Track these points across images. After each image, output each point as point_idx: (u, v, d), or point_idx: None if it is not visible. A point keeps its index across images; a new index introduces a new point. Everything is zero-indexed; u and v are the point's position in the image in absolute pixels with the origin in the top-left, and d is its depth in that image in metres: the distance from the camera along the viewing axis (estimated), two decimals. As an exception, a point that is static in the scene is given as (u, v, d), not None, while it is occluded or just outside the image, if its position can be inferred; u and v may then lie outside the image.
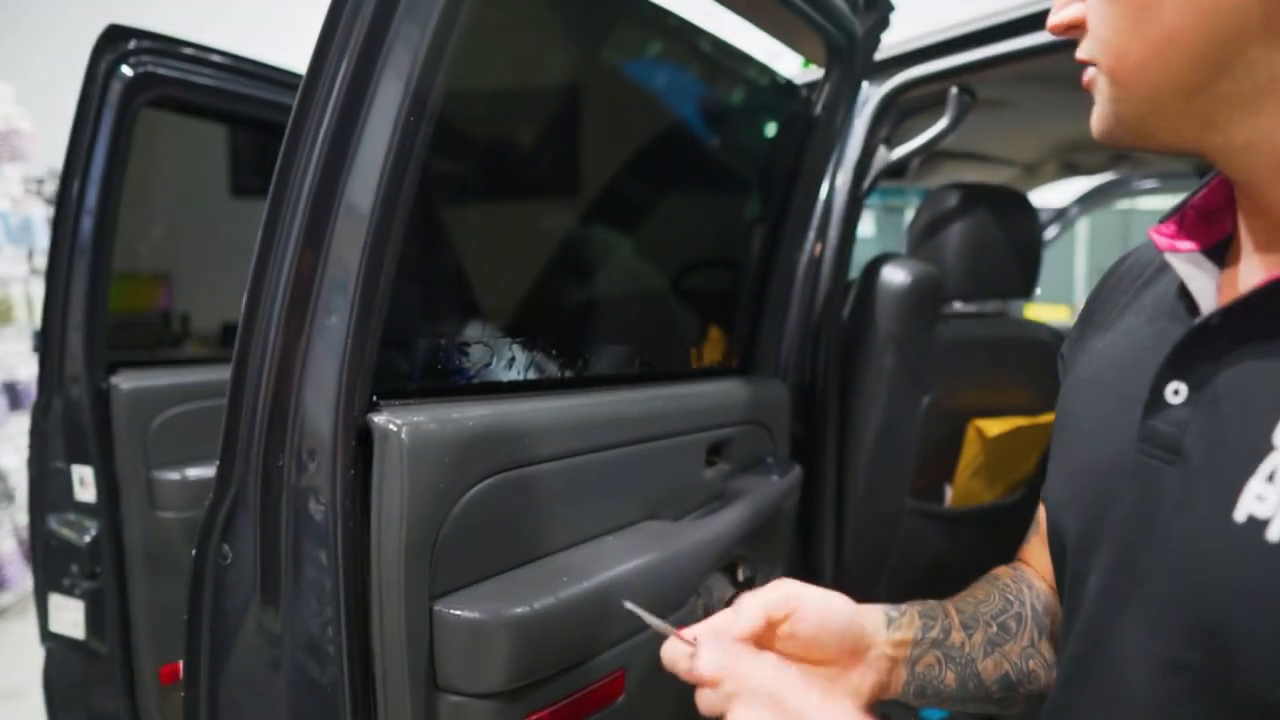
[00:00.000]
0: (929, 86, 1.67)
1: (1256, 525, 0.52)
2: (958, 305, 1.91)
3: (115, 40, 1.69)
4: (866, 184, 1.72)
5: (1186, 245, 0.64)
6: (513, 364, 1.07)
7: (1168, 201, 1.15)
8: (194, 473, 1.84)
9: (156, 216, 2.11)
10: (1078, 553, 0.68)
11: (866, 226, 6.77)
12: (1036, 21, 1.49)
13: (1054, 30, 0.64)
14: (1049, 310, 4.95)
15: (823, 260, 1.67)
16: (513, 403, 0.99)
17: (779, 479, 1.35)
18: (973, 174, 2.91)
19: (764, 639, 0.74)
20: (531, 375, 1.08)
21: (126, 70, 1.70)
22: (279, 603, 0.85)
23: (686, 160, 1.37)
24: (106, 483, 1.77)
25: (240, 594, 0.87)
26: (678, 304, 1.41)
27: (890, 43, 1.66)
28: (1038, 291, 1.95)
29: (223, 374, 0.85)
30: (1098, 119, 0.62)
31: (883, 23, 1.50)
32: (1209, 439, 0.57)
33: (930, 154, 2.73)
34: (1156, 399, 0.61)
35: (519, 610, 0.87)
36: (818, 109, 1.47)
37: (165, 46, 1.74)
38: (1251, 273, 0.61)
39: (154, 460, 1.81)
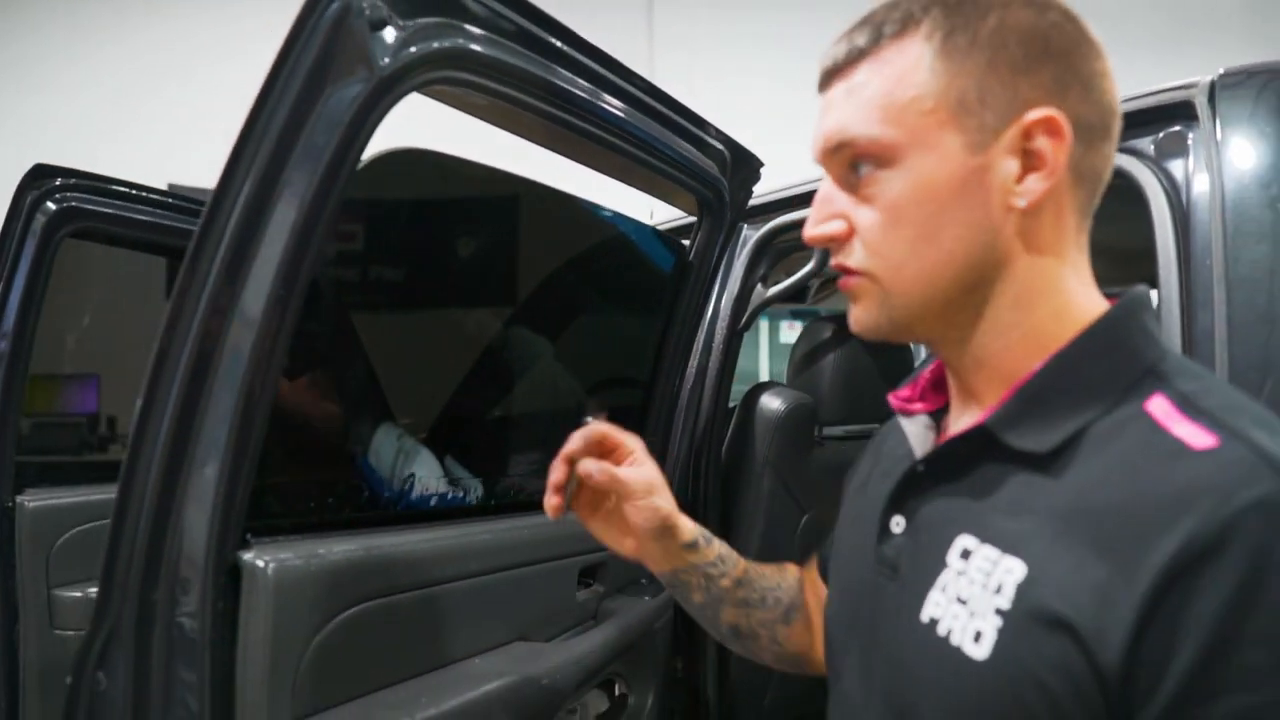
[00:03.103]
0: (800, 231, 1.84)
1: (931, 625, 0.67)
2: (835, 430, 2.05)
3: (40, 177, 1.79)
4: (745, 317, 1.87)
5: (919, 407, 0.80)
6: (387, 498, 1.16)
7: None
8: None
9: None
10: (837, 655, 0.83)
11: (795, 336, 7.08)
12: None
13: (812, 243, 0.75)
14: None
15: (703, 389, 1.80)
16: (383, 535, 1.09)
17: (650, 599, 1.45)
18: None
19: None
20: (406, 508, 1.18)
21: (51, 205, 1.81)
22: (148, 728, 0.91)
23: (565, 300, 1.50)
24: (5, 601, 1.80)
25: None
26: (556, 435, 1.52)
27: (768, 189, 1.83)
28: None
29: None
30: (862, 318, 0.74)
31: (752, 177, 1.67)
32: (912, 559, 0.72)
33: (826, 279, 2.93)
34: (884, 529, 0.76)
35: (374, 732, 0.95)
36: (692, 253, 1.62)
37: (89, 183, 1.85)
38: (954, 430, 0.76)
39: (56, 579, 1.85)
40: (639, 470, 0.97)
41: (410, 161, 1.12)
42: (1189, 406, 0.62)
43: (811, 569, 1.07)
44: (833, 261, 0.75)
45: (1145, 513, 0.57)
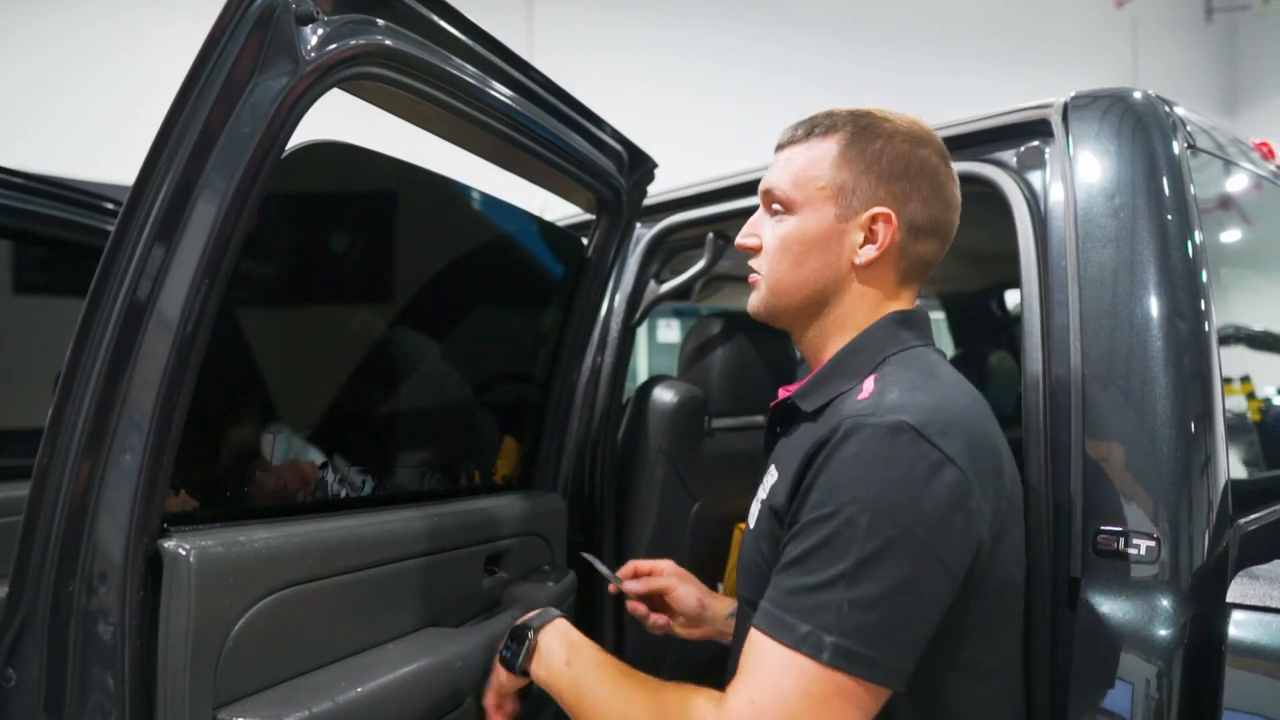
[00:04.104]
0: (691, 230, 1.92)
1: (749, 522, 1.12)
2: (723, 421, 2.14)
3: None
4: (639, 313, 1.94)
5: (784, 391, 1.15)
6: (306, 487, 1.17)
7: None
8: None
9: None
10: None
11: (674, 334, 7.23)
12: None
13: (740, 248, 1.16)
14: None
15: (599, 383, 1.85)
16: (301, 524, 1.10)
17: (554, 585, 1.49)
18: (750, 295, 3.20)
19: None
20: (323, 496, 1.19)
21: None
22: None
23: (468, 293, 1.53)
24: None
25: (23, 715, 0.92)
26: (462, 426, 1.56)
27: (662, 189, 1.91)
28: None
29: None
30: (753, 303, 1.15)
31: (647, 177, 1.73)
32: (761, 487, 1.11)
33: (710, 278, 3.03)
34: (767, 470, 1.13)
35: (298, 715, 0.96)
36: (590, 250, 1.67)
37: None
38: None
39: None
40: (665, 577, 1.42)
41: (324, 155, 1.13)
42: (879, 380, 1.00)
43: None
44: (748, 263, 1.15)
45: (822, 431, 0.95)
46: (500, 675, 1.18)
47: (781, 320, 1.13)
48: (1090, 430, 1.15)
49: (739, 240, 1.15)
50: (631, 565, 1.42)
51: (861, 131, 1.07)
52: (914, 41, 7.97)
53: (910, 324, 1.09)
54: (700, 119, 6.59)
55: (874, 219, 1.05)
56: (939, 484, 0.89)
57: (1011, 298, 3.09)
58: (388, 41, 1.04)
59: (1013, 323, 3.08)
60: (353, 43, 0.99)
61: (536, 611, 1.19)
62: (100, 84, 4.87)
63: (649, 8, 7.29)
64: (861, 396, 0.98)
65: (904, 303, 1.10)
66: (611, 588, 1.42)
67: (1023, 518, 1.05)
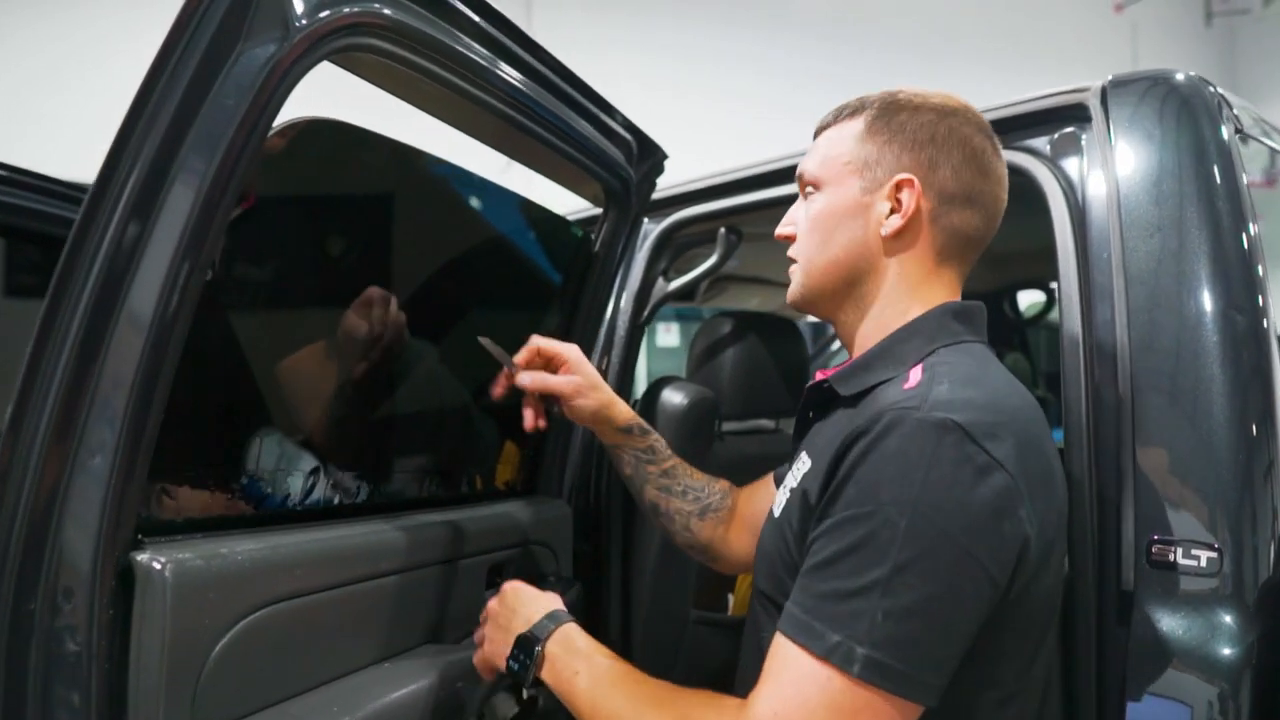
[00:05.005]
0: (701, 225, 1.84)
1: (773, 513, 1.07)
2: (731, 425, 2.06)
3: None
4: (647, 312, 1.85)
5: (822, 374, 1.09)
6: (292, 494, 1.09)
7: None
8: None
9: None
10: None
11: (673, 338, 7.14)
12: (791, 173, 1.68)
13: (779, 238, 1.13)
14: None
15: (607, 382, 1.77)
16: (289, 534, 1.01)
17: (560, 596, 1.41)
18: (758, 297, 3.13)
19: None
20: (311, 504, 1.11)
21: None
22: (23, 752, 0.82)
23: (469, 289, 1.45)
24: None
25: (-22, 744, 0.83)
26: (462, 430, 1.47)
27: (669, 183, 1.83)
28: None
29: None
30: (791, 291, 1.11)
31: (656, 169, 1.65)
32: (790, 473, 1.07)
33: (716, 278, 2.95)
34: (797, 456, 1.07)
35: (285, 745, 0.88)
36: (597, 245, 1.59)
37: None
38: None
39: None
40: (569, 378, 1.26)
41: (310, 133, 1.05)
42: (927, 370, 0.93)
43: (767, 479, 1.35)
44: (787, 253, 1.12)
45: (862, 420, 0.89)
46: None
47: (820, 306, 1.09)
48: (1140, 433, 1.07)
49: (778, 230, 1.12)
50: (535, 346, 1.26)
51: (887, 107, 1.04)
52: (913, 45, 7.90)
53: (965, 317, 1.02)
54: (700, 122, 6.51)
55: (899, 186, 1.01)
56: (986, 489, 0.82)
57: (1024, 298, 3.01)
58: (387, 10, 0.96)
59: (1025, 324, 3.01)
60: (348, 10, 0.91)
61: (544, 616, 1.08)
62: (99, 86, 4.78)
63: (647, 11, 7.24)
64: (908, 386, 0.92)
65: (946, 285, 1.04)
66: (505, 373, 1.24)
67: (1066, 529, 0.97)
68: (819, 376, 1.07)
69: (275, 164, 0.99)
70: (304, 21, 0.87)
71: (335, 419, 1.17)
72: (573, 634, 1.06)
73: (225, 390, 1.04)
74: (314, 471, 1.11)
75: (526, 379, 1.23)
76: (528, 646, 1.04)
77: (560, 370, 1.27)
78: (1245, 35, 9.98)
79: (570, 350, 1.28)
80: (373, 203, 1.24)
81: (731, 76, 7.12)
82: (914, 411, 0.85)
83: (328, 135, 1.07)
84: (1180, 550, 1.00)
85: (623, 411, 1.31)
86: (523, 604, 1.09)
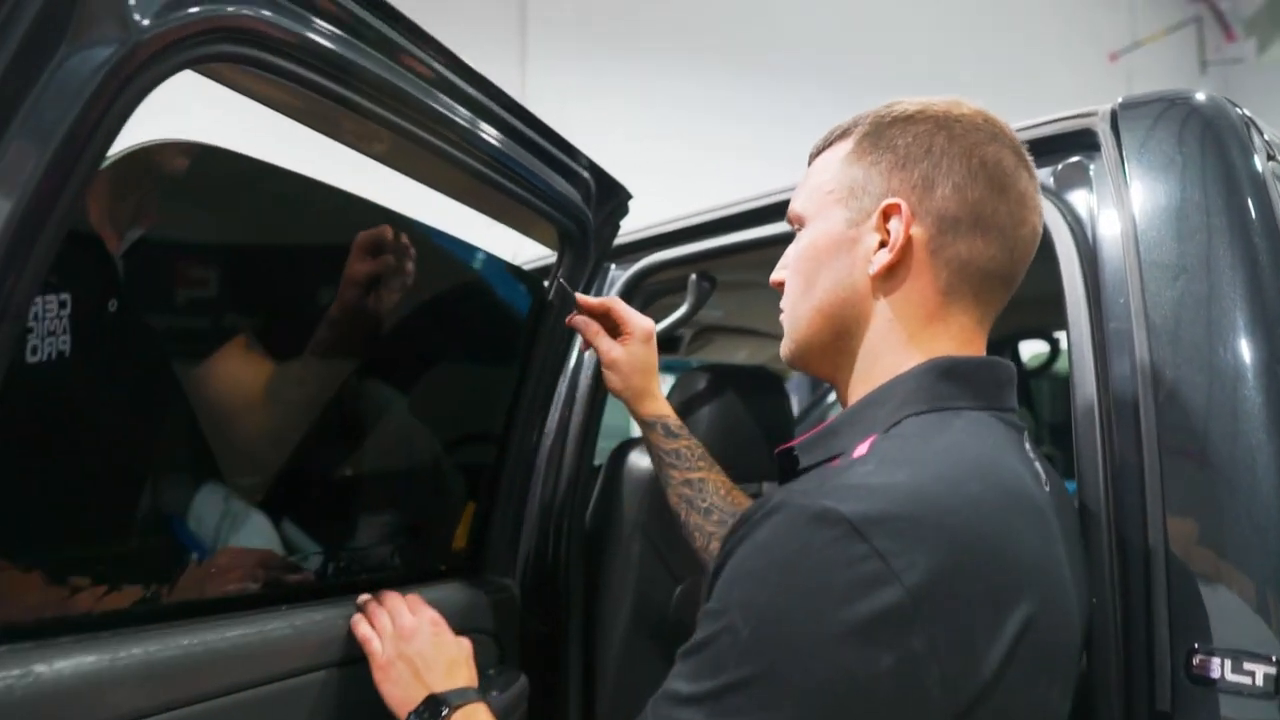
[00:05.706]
0: (671, 271, 1.69)
1: None
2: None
3: None
4: (612, 367, 1.69)
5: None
6: (152, 585, 0.91)
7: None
8: None
9: None
10: None
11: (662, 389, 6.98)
12: (770, 213, 1.53)
13: (772, 286, 0.97)
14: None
15: (565, 445, 1.60)
16: (141, 638, 0.83)
17: (498, 695, 1.22)
18: (746, 349, 2.97)
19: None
20: (181, 599, 0.92)
21: None
22: None
23: (395, 339, 1.28)
24: None
25: None
26: (388, 500, 1.29)
27: (635, 227, 1.68)
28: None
29: None
30: (782, 348, 0.95)
31: (620, 210, 1.50)
32: None
33: (702, 329, 2.79)
34: None
35: None
36: (551, 293, 1.43)
37: None
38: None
39: None
40: (611, 345, 1.31)
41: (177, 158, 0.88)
42: (875, 446, 0.75)
43: None
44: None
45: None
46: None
47: (812, 363, 0.92)
48: (1173, 516, 0.89)
49: (771, 278, 0.98)
50: (608, 304, 1.33)
51: (879, 121, 0.86)
52: (906, 92, 7.81)
53: (957, 375, 0.80)
54: (692, 171, 6.46)
55: (885, 213, 0.83)
56: (863, 605, 0.63)
57: (1026, 349, 2.85)
58: (266, 13, 0.81)
59: (1029, 377, 2.84)
60: (213, 12, 0.76)
61: (458, 688, 1.00)
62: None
63: (638, 61, 7.23)
64: (841, 463, 0.76)
65: (955, 332, 0.83)
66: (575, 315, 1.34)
67: (1070, 656, 0.76)
68: (793, 442, 0.91)
69: (123, 191, 0.82)
70: (149, 22, 0.71)
71: (211, 484, 0.99)
72: (483, 715, 0.98)
73: (60, 449, 0.86)
74: (183, 551, 0.93)
75: (580, 320, 1.32)
76: (435, 707, 0.97)
77: (621, 339, 1.31)
78: (1239, 83, 9.97)
79: (638, 325, 1.32)
80: (260, 238, 1.06)
81: (727, 125, 7.08)
82: (801, 495, 0.69)
83: (190, 161, 0.90)
84: (1228, 663, 0.82)
85: (654, 406, 1.33)
86: (441, 650, 1.04)
